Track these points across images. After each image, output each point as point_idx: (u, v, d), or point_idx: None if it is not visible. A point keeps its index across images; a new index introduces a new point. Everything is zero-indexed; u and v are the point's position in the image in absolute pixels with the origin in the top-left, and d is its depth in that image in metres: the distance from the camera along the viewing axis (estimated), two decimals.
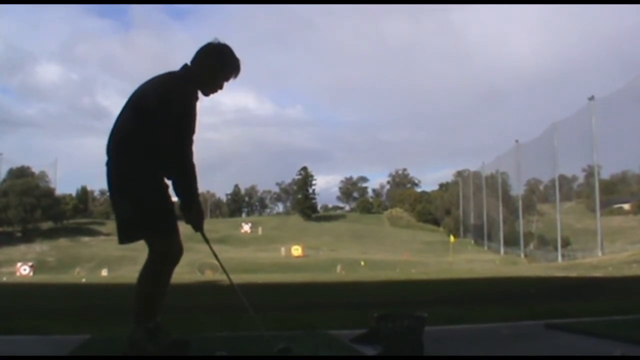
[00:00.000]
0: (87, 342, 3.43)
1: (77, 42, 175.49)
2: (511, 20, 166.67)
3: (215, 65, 3.06)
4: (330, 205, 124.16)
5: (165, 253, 3.04)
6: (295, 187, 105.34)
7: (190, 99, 3.02)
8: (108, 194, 3.16)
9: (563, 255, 44.12)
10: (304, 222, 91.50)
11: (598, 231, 40.76)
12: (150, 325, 2.99)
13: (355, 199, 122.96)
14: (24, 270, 43.15)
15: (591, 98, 41.27)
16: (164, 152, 2.93)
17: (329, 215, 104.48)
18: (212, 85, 3.11)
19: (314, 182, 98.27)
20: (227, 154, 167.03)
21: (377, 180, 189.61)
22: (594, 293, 10.04)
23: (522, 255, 52.21)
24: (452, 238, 56.53)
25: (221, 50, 3.09)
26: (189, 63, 3.11)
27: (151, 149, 2.94)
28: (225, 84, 3.15)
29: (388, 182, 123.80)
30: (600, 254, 38.49)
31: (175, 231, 3.06)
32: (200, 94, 3.13)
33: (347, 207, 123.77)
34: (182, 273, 23.53)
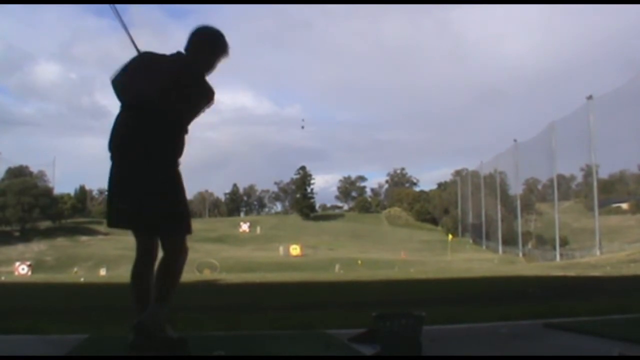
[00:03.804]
0: (85, 342, 3.42)
1: (75, 41, 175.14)
2: (509, 20, 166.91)
3: (207, 51, 3.19)
4: (328, 205, 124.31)
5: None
6: (293, 187, 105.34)
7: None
8: None
9: (561, 255, 44.18)
10: (303, 222, 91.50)
11: (596, 230, 40.80)
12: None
13: (353, 198, 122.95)
14: (22, 269, 43.09)
15: (589, 97, 41.30)
16: None
17: (328, 215, 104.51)
18: (209, 68, 3.23)
19: (312, 181, 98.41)
20: (226, 153, 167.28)
21: (375, 179, 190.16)
22: (592, 292, 10.05)
23: (521, 255, 52.25)
24: (450, 237, 56.64)
25: (211, 35, 3.22)
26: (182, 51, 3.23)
27: None
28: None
29: (386, 182, 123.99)
30: (598, 253, 38.54)
31: None
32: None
33: (346, 207, 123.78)
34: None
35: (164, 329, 3.01)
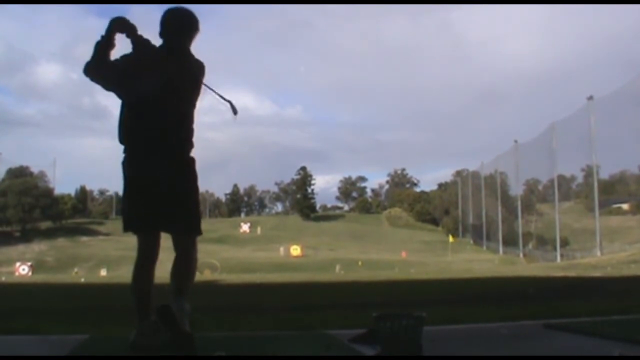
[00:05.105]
0: (85, 342, 3.42)
1: (76, 42, 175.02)
2: (510, 21, 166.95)
3: (181, 33, 3.22)
4: (329, 205, 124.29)
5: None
6: (294, 187, 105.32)
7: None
8: None
9: (562, 255, 44.18)
10: (303, 222, 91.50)
11: (597, 231, 40.80)
12: None
13: (354, 198, 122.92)
14: (22, 270, 43.16)
15: (590, 98, 41.31)
16: None
17: (328, 215, 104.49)
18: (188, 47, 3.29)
19: (313, 182, 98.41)
20: (226, 153, 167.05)
21: (376, 180, 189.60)
22: (592, 293, 10.05)
23: (521, 255, 52.24)
24: (451, 238, 56.64)
25: (180, 17, 3.24)
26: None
27: None
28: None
29: (387, 182, 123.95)
30: (599, 253, 38.53)
31: None
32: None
33: (346, 207, 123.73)
34: None
35: (184, 322, 3.02)
